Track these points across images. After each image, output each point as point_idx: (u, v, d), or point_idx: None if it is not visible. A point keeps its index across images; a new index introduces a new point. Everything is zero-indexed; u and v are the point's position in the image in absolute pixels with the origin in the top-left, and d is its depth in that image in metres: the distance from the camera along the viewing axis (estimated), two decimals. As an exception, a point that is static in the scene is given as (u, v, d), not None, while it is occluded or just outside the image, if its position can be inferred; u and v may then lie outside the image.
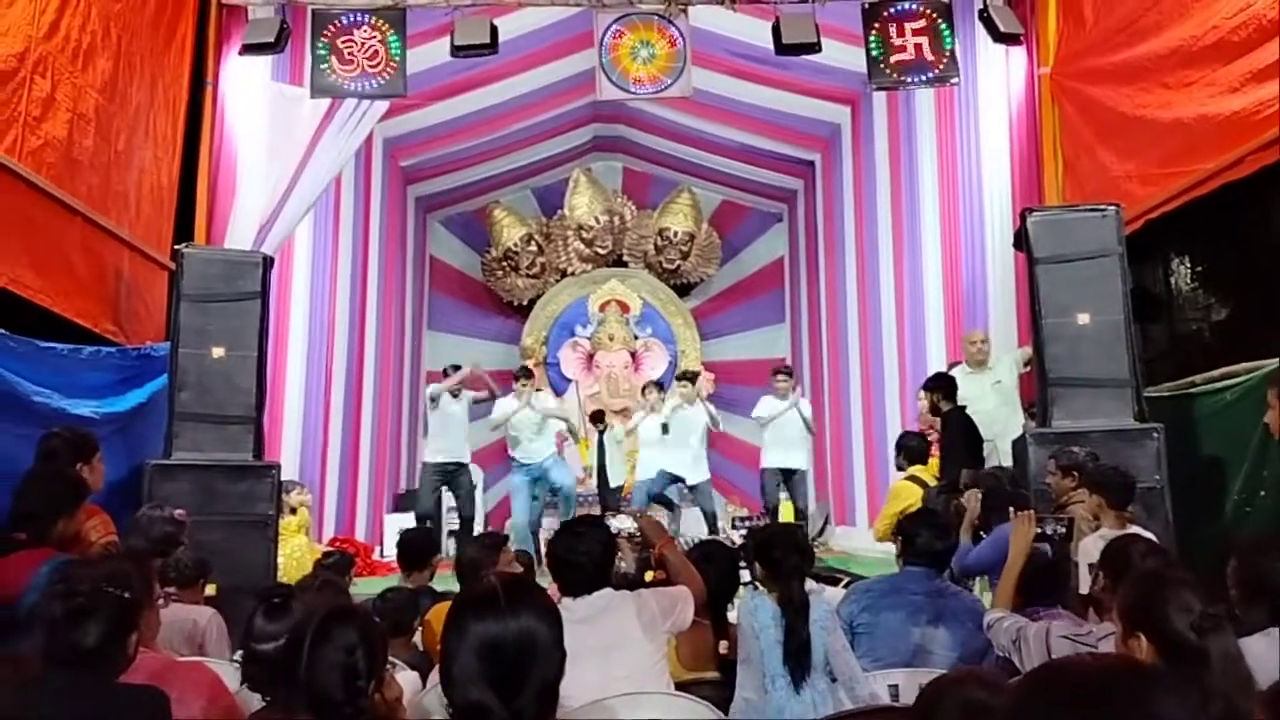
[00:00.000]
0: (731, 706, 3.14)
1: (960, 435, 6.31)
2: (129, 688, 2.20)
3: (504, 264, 13.41)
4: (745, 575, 4.82)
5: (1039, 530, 3.65)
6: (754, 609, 3.19)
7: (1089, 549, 3.82)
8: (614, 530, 3.63)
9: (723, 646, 3.39)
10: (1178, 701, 1.02)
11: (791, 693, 3.05)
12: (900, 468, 6.53)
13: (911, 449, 6.48)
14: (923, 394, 6.92)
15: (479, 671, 1.64)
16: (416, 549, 4.60)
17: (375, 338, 11.11)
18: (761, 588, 3.36)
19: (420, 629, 3.98)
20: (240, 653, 2.72)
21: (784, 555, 3.29)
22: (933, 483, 6.13)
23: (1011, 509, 3.79)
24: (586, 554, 2.96)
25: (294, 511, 7.40)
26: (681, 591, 3.08)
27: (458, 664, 1.65)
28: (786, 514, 10.23)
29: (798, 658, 3.09)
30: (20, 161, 4.86)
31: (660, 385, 10.08)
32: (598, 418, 10.65)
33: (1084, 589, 3.75)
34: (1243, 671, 2.08)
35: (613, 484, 9.98)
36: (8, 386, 4.46)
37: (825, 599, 3.32)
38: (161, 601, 3.11)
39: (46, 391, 4.76)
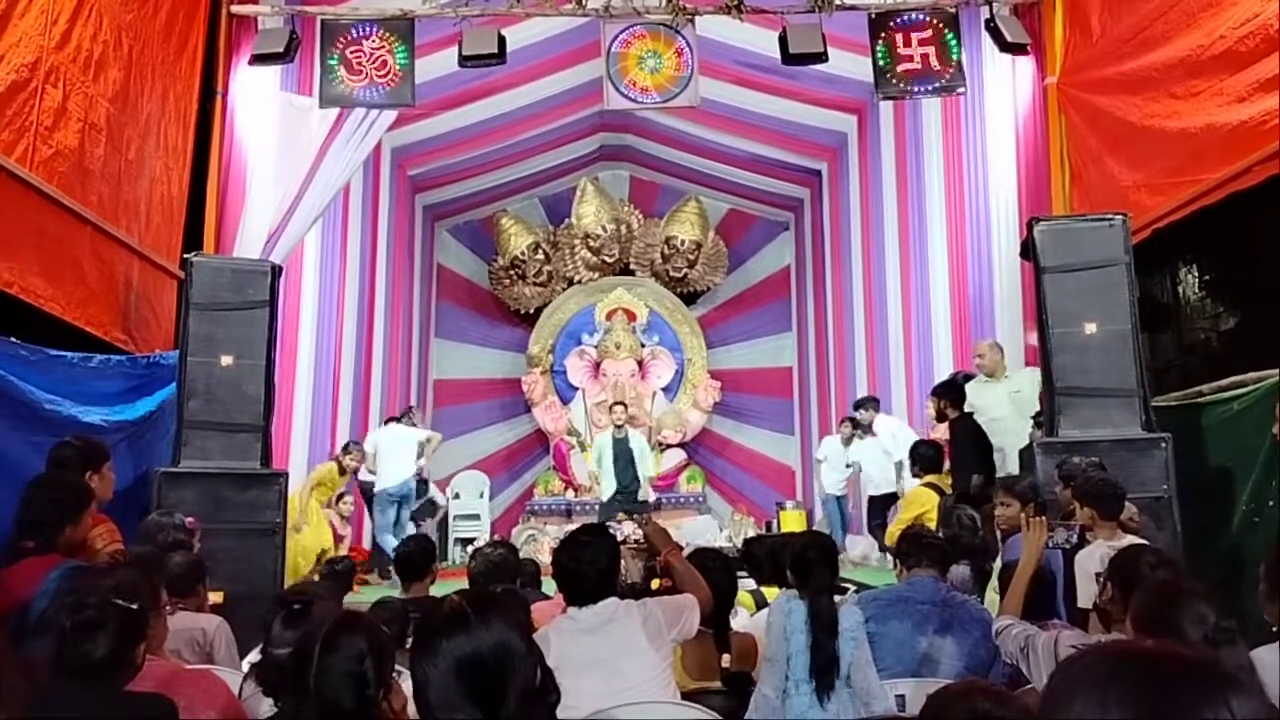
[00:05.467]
0: (751, 700, 3.14)
1: (969, 444, 6.32)
2: (136, 696, 2.22)
3: (511, 272, 13.44)
4: (750, 583, 4.83)
5: (1050, 538, 3.66)
6: (789, 611, 3.18)
7: (1087, 560, 3.81)
8: (620, 538, 3.63)
9: (725, 660, 3.39)
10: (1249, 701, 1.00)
11: (815, 702, 3.05)
12: (916, 475, 6.55)
13: (927, 458, 6.48)
14: (930, 400, 6.93)
15: (460, 691, 1.62)
16: (418, 559, 4.57)
17: (383, 346, 11.14)
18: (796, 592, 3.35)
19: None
20: (258, 656, 2.72)
21: (814, 567, 3.28)
22: (949, 490, 6.14)
23: (1023, 516, 3.79)
24: (592, 563, 2.96)
25: (342, 472, 8.11)
26: (687, 600, 3.08)
27: (435, 687, 1.63)
28: (790, 523, 10.25)
29: (824, 671, 3.08)
30: (32, 171, 4.89)
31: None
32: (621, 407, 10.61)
33: (1083, 600, 3.74)
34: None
35: (631, 488, 9.92)
36: (19, 394, 4.49)
37: (856, 610, 3.30)
38: (169, 609, 3.11)
39: (57, 399, 4.79)
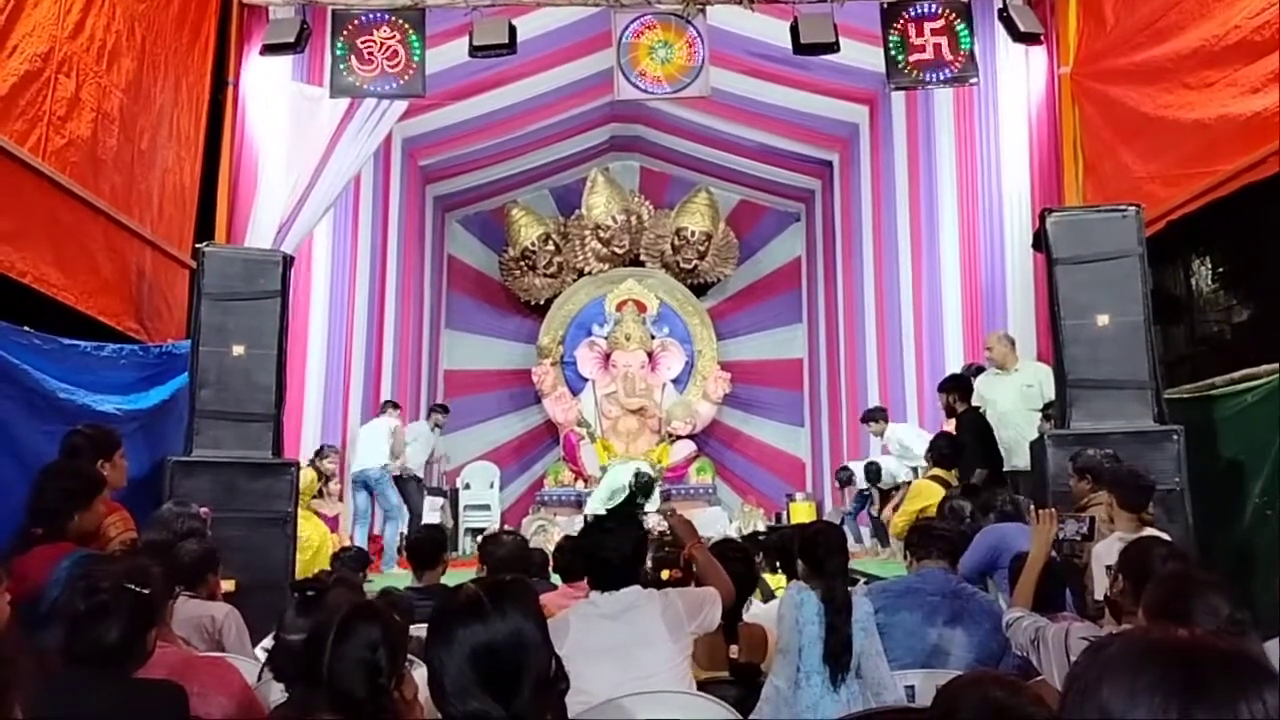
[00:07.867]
0: (762, 693, 3.14)
1: (974, 437, 6.30)
2: (147, 683, 2.22)
3: (521, 263, 13.44)
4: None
5: (1059, 531, 3.64)
6: (800, 602, 3.17)
7: (1102, 552, 3.80)
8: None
9: (733, 651, 3.38)
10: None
11: (827, 690, 3.04)
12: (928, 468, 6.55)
13: (940, 450, 6.46)
14: (939, 395, 6.92)
15: (474, 680, 1.62)
16: (429, 548, 4.60)
17: (394, 336, 11.16)
18: (805, 583, 3.35)
19: None
20: (270, 643, 2.73)
21: (827, 554, 3.28)
22: (954, 484, 6.13)
23: (1033, 507, 3.78)
24: (616, 550, 2.95)
25: (320, 477, 7.86)
26: (709, 593, 3.06)
27: (450, 675, 1.63)
28: (800, 514, 10.26)
29: (838, 657, 3.08)
30: (45, 161, 4.91)
31: None
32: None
33: (1098, 592, 3.73)
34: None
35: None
36: (34, 383, 4.51)
37: (866, 601, 3.30)
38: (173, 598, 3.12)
39: (71, 388, 4.81)
